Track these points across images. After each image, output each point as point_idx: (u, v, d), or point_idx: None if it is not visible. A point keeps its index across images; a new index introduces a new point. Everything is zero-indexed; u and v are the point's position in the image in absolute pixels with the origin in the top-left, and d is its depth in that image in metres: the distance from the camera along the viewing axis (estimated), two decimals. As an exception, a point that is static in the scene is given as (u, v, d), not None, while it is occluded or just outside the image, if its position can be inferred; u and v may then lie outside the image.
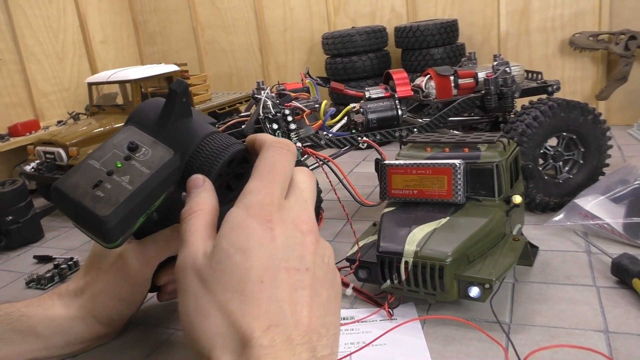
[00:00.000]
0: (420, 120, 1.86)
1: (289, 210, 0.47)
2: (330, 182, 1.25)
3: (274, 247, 0.45)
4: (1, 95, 3.16)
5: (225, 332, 0.40)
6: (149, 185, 0.62)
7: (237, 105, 3.41)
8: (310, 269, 0.46)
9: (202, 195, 0.54)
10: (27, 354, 0.85)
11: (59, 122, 3.32)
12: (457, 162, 1.25)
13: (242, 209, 0.46)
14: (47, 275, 1.66)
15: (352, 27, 3.35)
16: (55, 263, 1.74)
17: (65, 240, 2.10)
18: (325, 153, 1.76)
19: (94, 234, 0.65)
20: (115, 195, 0.60)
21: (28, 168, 2.58)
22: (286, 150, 0.52)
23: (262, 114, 1.59)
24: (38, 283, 1.64)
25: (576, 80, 2.96)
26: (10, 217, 2.03)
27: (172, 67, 2.98)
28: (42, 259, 1.87)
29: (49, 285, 1.63)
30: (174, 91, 0.66)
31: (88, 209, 0.63)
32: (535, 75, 1.96)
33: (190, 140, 0.64)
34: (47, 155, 2.49)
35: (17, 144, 2.90)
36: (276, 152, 0.52)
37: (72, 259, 1.77)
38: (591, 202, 1.48)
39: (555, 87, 1.85)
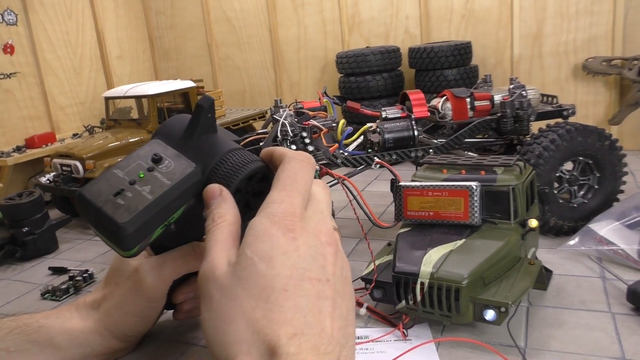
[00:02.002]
0: (435, 141, 1.87)
1: (309, 221, 0.48)
2: (349, 200, 1.26)
3: (298, 256, 0.46)
4: (19, 108, 3.21)
5: (250, 339, 0.40)
6: (168, 195, 0.63)
7: (251, 121, 3.45)
8: (330, 280, 0.47)
9: (223, 207, 0.55)
10: (44, 365, 0.85)
11: (74, 135, 3.37)
12: (473, 184, 1.25)
13: (266, 218, 0.47)
14: (62, 287, 1.68)
15: (367, 47, 3.38)
16: (70, 275, 1.76)
17: (79, 252, 2.12)
18: (341, 171, 1.78)
19: (111, 241, 0.66)
20: (135, 204, 0.61)
21: (44, 180, 2.61)
22: (307, 163, 0.54)
23: (280, 136, 1.61)
24: (53, 294, 1.66)
25: (589, 105, 2.97)
26: (27, 228, 2.06)
27: (188, 83, 3.03)
28: (57, 271, 1.88)
29: (64, 297, 1.65)
30: (201, 106, 0.68)
31: (107, 215, 0.65)
32: (550, 99, 1.98)
33: (212, 155, 0.66)
34: (64, 168, 2.53)
35: (33, 155, 2.95)
36: (298, 164, 0.53)
37: (87, 271, 1.78)
38: (606, 228, 1.48)
39: (570, 111, 1.86)
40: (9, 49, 3.16)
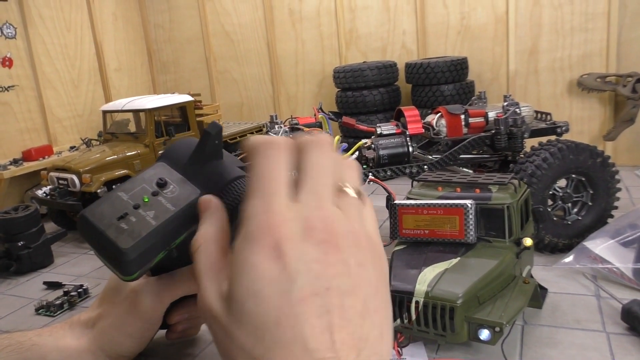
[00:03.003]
0: (430, 157, 1.88)
1: (298, 218, 0.40)
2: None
3: (285, 279, 0.41)
4: (17, 121, 3.22)
5: None
6: (172, 222, 0.63)
7: (248, 135, 3.46)
8: (332, 285, 0.40)
9: (205, 224, 0.49)
10: (36, 383, 0.84)
11: (71, 147, 3.37)
12: (468, 202, 1.26)
13: (243, 242, 0.41)
14: (57, 302, 1.67)
15: (364, 62, 3.41)
16: (65, 290, 1.75)
17: (75, 267, 2.11)
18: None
19: (112, 265, 0.66)
20: (138, 229, 0.61)
21: (40, 193, 2.61)
22: (276, 148, 0.42)
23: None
24: (47, 310, 1.65)
25: (584, 121, 2.99)
26: (22, 242, 2.05)
27: (186, 97, 3.04)
28: (52, 285, 1.88)
29: (58, 312, 1.64)
30: (208, 133, 0.68)
31: (110, 239, 0.64)
32: (544, 115, 1.99)
33: (217, 182, 0.66)
34: (60, 181, 2.53)
35: (30, 168, 2.94)
36: (263, 157, 0.42)
37: (81, 286, 1.78)
38: (600, 246, 1.49)
39: (564, 128, 1.88)
40: (7, 62, 3.17)
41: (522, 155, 1.75)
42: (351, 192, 0.41)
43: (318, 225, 0.40)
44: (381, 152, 1.78)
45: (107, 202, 0.67)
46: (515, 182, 1.32)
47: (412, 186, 1.47)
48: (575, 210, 1.71)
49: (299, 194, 0.41)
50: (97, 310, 0.98)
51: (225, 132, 3.31)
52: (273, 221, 0.40)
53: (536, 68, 3.07)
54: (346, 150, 1.86)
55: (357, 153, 1.88)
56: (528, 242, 1.24)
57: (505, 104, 1.83)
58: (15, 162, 2.97)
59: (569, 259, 1.50)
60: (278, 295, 0.39)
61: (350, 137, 2.84)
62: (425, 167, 1.77)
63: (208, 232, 0.48)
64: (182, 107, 3.00)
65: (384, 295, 0.40)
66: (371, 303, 0.41)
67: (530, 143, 1.86)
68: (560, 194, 1.69)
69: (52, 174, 2.58)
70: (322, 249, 0.39)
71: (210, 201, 0.55)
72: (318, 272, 0.39)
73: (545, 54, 3.03)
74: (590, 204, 1.70)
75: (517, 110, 1.81)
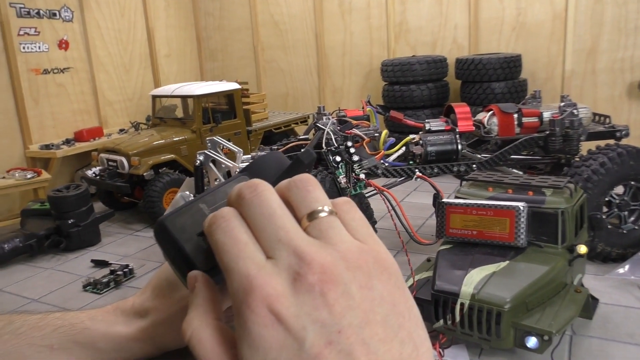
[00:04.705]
0: (479, 156, 1.83)
1: (279, 272, 0.35)
2: (389, 212, 1.25)
3: (293, 340, 0.34)
4: (70, 102, 3.32)
5: None
6: None
7: (293, 125, 3.46)
8: (342, 327, 0.36)
9: (191, 307, 0.41)
10: (83, 365, 0.86)
11: (120, 130, 3.46)
12: (521, 205, 1.22)
13: (239, 318, 0.35)
14: (104, 280, 1.72)
15: (413, 56, 3.35)
16: (111, 269, 1.80)
17: (121, 246, 2.16)
18: (381, 182, 1.76)
19: (183, 278, 0.67)
20: None
21: (90, 173, 2.69)
22: (221, 217, 0.37)
23: (325, 148, 1.61)
24: (94, 287, 1.70)
25: (643, 125, 2.86)
26: (72, 220, 2.12)
27: (234, 85, 3.06)
28: (99, 263, 1.93)
29: (105, 290, 1.69)
30: (301, 161, 0.68)
31: (188, 256, 0.64)
32: (603, 118, 1.91)
33: None
34: (110, 163, 2.60)
35: (81, 149, 3.03)
36: (216, 233, 0.37)
37: (127, 266, 1.82)
38: (659, 257, 1.42)
39: (624, 132, 1.79)
40: (64, 45, 3.26)
41: (577, 159, 1.69)
42: (321, 209, 0.36)
43: (302, 268, 0.35)
44: (429, 149, 1.75)
45: (188, 213, 0.67)
46: (571, 186, 1.27)
47: (460, 185, 1.44)
48: (632, 219, 1.64)
49: (266, 252, 0.36)
50: (150, 300, 1.00)
51: (270, 122, 3.33)
52: (254, 285, 0.35)
53: (594, 68, 2.95)
54: (393, 145, 1.84)
55: (404, 148, 1.85)
56: (582, 249, 1.19)
57: (562, 104, 1.76)
58: (67, 142, 3.07)
59: (624, 269, 1.44)
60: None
61: (395, 132, 2.81)
62: (474, 166, 1.73)
63: (193, 318, 0.39)
64: (229, 95, 3.03)
65: (404, 303, 0.35)
66: (392, 320, 0.36)
67: (586, 146, 1.79)
68: (617, 201, 1.62)
69: (102, 155, 2.66)
70: (317, 291, 0.34)
71: (195, 279, 0.47)
72: (323, 319, 0.34)
73: (605, 53, 2.90)
74: (648, 213, 1.62)
75: (575, 111, 1.74)
